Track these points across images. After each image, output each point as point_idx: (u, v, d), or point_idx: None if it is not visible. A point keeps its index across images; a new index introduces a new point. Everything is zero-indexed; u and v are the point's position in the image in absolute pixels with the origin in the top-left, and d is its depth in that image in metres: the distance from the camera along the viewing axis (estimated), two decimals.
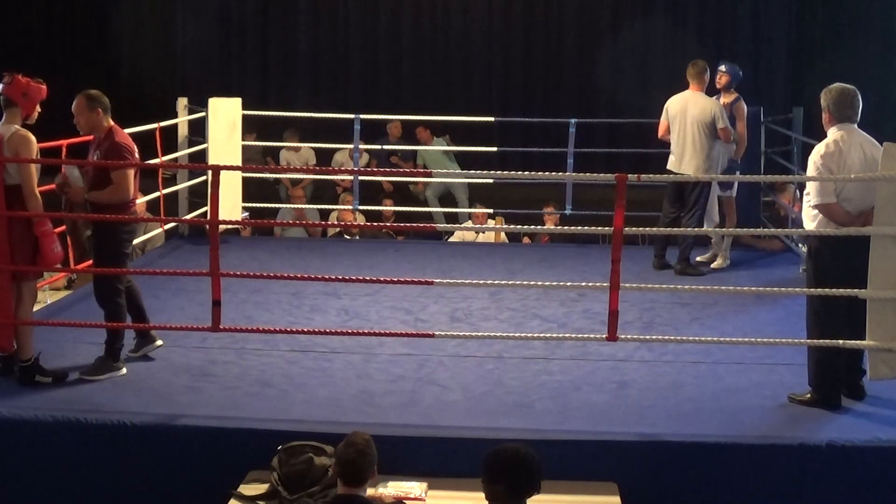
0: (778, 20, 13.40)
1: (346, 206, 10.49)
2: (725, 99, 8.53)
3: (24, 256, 5.48)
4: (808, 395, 5.36)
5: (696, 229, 8.06)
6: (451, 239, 10.72)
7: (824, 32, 13.42)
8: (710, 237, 8.66)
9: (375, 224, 10.81)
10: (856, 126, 5.26)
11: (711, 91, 8.50)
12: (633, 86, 13.24)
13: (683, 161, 8.10)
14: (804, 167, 9.54)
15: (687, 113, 8.09)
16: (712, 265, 8.52)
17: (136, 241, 9.23)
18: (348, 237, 10.36)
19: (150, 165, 8.06)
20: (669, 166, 8.21)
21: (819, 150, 5.20)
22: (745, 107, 8.54)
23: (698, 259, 8.55)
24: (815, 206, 5.18)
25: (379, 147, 12.00)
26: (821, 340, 5.27)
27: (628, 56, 13.43)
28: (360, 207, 10.07)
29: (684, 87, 8.28)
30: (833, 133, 5.23)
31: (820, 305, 5.30)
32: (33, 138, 5.46)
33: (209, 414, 5.12)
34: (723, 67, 8.62)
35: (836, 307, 5.21)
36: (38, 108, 5.58)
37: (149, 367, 5.83)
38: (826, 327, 5.27)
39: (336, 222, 10.74)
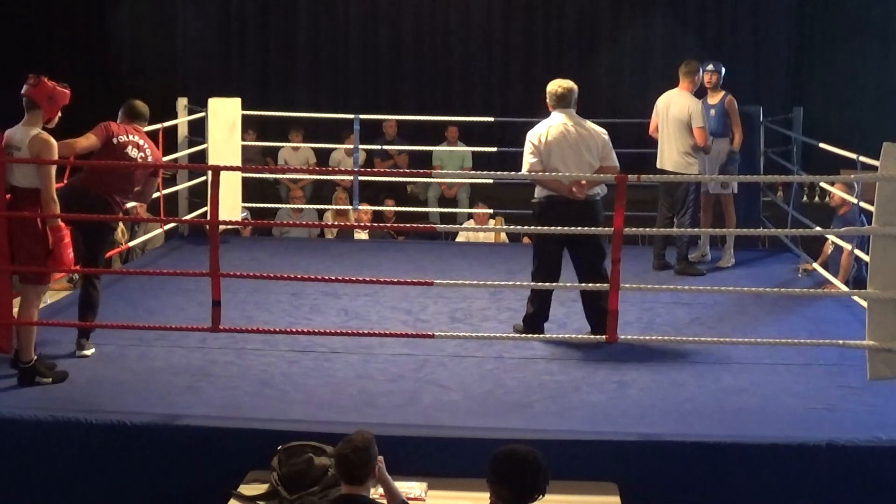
0: (778, 20, 13.39)
1: (359, 206, 10.36)
2: (713, 98, 8.56)
3: (35, 260, 5.45)
4: (522, 325, 6.50)
5: (692, 229, 8.09)
6: (457, 239, 10.71)
7: (824, 32, 13.41)
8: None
9: (376, 224, 10.81)
10: (570, 111, 6.38)
11: (702, 91, 8.55)
12: (632, 86, 13.23)
13: (663, 158, 8.22)
14: (804, 167, 9.64)
15: (669, 111, 8.18)
16: (718, 264, 8.54)
17: (136, 242, 9.28)
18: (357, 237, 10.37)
19: (150, 165, 8.05)
20: (658, 165, 8.28)
21: (531, 130, 6.38)
22: (735, 100, 8.62)
23: (689, 258, 8.57)
24: (524, 174, 6.42)
25: (380, 147, 12.01)
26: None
27: (628, 56, 13.43)
28: (360, 207, 10.06)
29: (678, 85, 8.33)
30: (551, 117, 6.37)
31: (541, 255, 6.42)
32: (55, 143, 5.43)
33: (209, 414, 5.12)
34: (711, 66, 8.66)
35: (552, 256, 6.36)
36: (60, 114, 5.56)
37: (149, 367, 5.83)
38: (543, 269, 6.34)
39: (345, 223, 10.70)
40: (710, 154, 8.36)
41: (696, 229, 8.13)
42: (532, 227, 5.99)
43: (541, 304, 6.49)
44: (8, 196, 5.45)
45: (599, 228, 6.01)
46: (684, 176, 7.96)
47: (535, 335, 6.28)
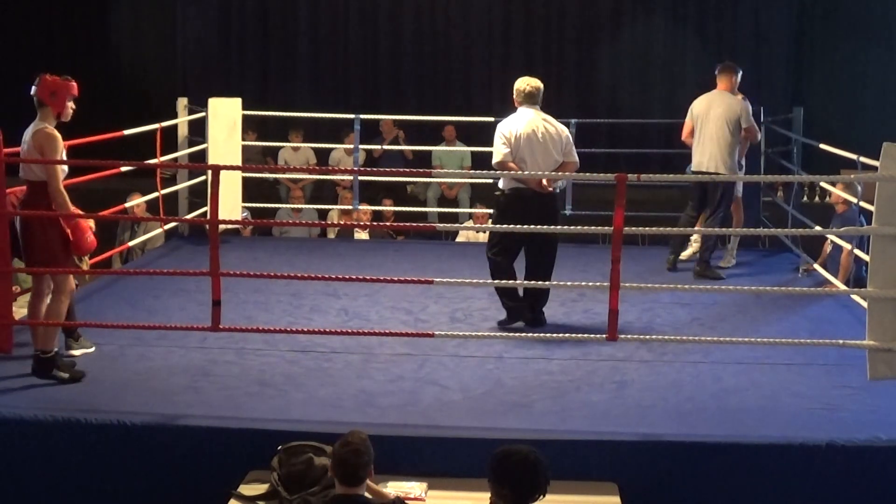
0: (778, 20, 13.39)
1: (358, 206, 10.32)
2: None
3: (52, 250, 5.46)
4: (505, 318, 6.64)
5: (687, 229, 8.10)
6: (457, 239, 10.71)
7: (824, 32, 13.42)
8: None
9: (378, 224, 10.81)
10: (536, 108, 6.62)
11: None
12: (633, 86, 13.24)
13: (711, 159, 8.07)
14: (805, 167, 9.64)
15: (711, 111, 8.12)
16: (719, 263, 8.54)
17: (136, 241, 9.29)
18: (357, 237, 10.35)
19: (150, 165, 8.08)
20: (695, 167, 8.19)
21: (502, 122, 6.62)
22: (750, 106, 8.57)
23: (681, 257, 8.59)
24: (495, 164, 6.54)
25: (379, 147, 12.00)
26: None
27: (628, 56, 13.43)
28: (360, 207, 10.06)
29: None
30: (519, 112, 6.61)
31: (500, 240, 6.62)
32: (58, 136, 5.46)
33: (209, 414, 5.11)
34: (719, 71, 8.63)
35: (508, 246, 6.60)
36: (72, 105, 5.57)
37: (149, 367, 5.82)
38: (500, 261, 6.57)
39: (345, 222, 10.70)
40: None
41: (708, 229, 8.07)
42: (531, 228, 5.99)
43: (513, 295, 6.65)
44: (25, 191, 5.57)
45: (561, 227, 6.44)
46: (683, 176, 7.95)
47: (536, 335, 6.27)
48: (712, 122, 8.07)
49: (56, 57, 13.44)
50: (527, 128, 6.51)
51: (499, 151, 6.51)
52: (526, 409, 5.32)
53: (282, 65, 13.85)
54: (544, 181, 6.40)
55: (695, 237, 8.67)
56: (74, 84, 5.58)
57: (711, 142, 8.07)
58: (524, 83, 6.67)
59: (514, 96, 6.68)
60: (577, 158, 6.65)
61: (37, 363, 5.52)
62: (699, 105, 8.24)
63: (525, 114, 6.60)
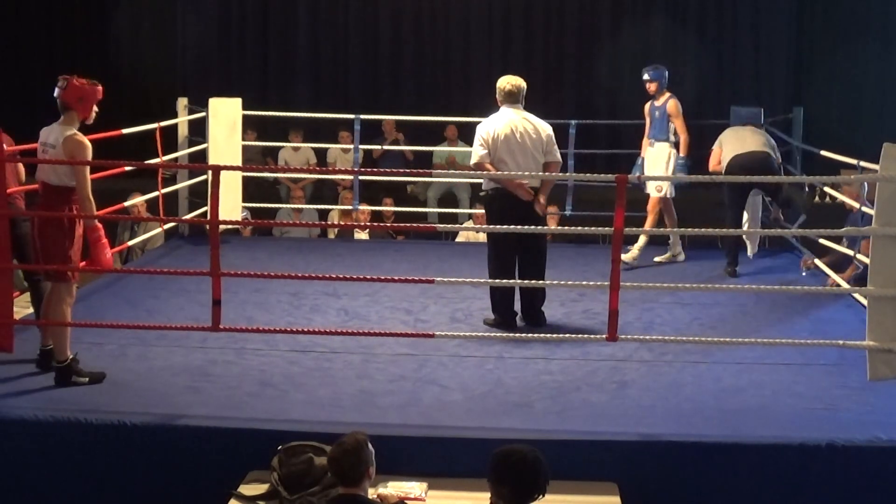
0: (778, 20, 13.40)
1: (358, 206, 10.29)
2: (659, 101, 8.51)
3: (62, 256, 5.45)
4: (494, 318, 6.69)
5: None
6: (457, 239, 10.71)
7: (824, 32, 13.41)
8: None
9: (378, 224, 10.82)
10: (518, 106, 6.62)
11: (646, 98, 8.55)
12: (633, 87, 13.19)
13: (752, 143, 8.16)
14: (804, 167, 9.64)
15: (746, 129, 8.34)
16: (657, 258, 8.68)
17: (135, 241, 9.29)
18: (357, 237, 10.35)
19: (150, 165, 8.08)
20: (738, 151, 8.21)
21: (481, 123, 6.65)
22: (679, 103, 8.52)
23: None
24: (472, 165, 6.66)
25: (379, 147, 12.00)
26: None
27: (628, 57, 13.41)
28: (360, 207, 10.06)
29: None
30: (500, 112, 6.63)
31: (494, 245, 6.68)
32: (88, 144, 5.44)
33: (209, 414, 5.11)
34: (646, 76, 8.61)
35: (506, 246, 6.58)
36: (96, 109, 5.58)
37: (149, 367, 5.82)
38: (499, 262, 6.59)
39: (345, 222, 10.70)
40: (648, 156, 8.45)
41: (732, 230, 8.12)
42: (536, 228, 6.00)
43: (506, 300, 6.69)
44: (40, 193, 5.55)
45: (547, 227, 6.47)
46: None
47: (536, 335, 6.26)
48: (751, 131, 8.27)
49: (56, 57, 13.43)
50: (505, 128, 6.52)
51: (476, 153, 6.58)
52: (526, 409, 5.32)
53: (282, 65, 13.84)
54: (527, 189, 6.42)
55: (672, 240, 8.70)
56: (100, 88, 5.58)
57: (752, 134, 8.23)
58: (505, 82, 6.68)
59: (497, 95, 6.69)
60: (559, 158, 6.65)
61: (56, 374, 5.51)
62: (728, 132, 8.38)
63: (505, 114, 6.61)
